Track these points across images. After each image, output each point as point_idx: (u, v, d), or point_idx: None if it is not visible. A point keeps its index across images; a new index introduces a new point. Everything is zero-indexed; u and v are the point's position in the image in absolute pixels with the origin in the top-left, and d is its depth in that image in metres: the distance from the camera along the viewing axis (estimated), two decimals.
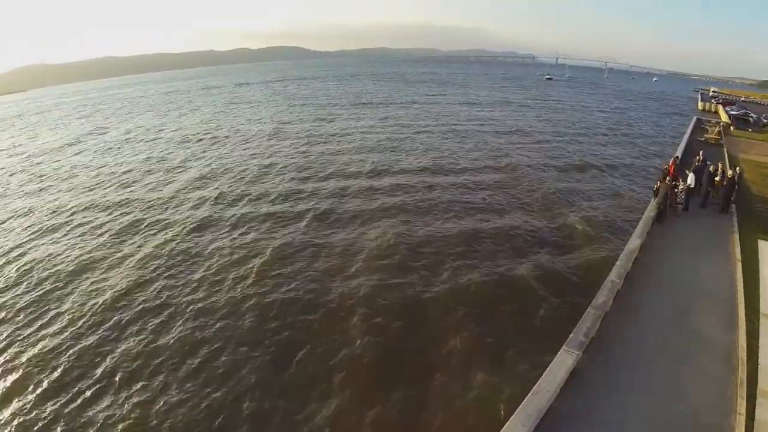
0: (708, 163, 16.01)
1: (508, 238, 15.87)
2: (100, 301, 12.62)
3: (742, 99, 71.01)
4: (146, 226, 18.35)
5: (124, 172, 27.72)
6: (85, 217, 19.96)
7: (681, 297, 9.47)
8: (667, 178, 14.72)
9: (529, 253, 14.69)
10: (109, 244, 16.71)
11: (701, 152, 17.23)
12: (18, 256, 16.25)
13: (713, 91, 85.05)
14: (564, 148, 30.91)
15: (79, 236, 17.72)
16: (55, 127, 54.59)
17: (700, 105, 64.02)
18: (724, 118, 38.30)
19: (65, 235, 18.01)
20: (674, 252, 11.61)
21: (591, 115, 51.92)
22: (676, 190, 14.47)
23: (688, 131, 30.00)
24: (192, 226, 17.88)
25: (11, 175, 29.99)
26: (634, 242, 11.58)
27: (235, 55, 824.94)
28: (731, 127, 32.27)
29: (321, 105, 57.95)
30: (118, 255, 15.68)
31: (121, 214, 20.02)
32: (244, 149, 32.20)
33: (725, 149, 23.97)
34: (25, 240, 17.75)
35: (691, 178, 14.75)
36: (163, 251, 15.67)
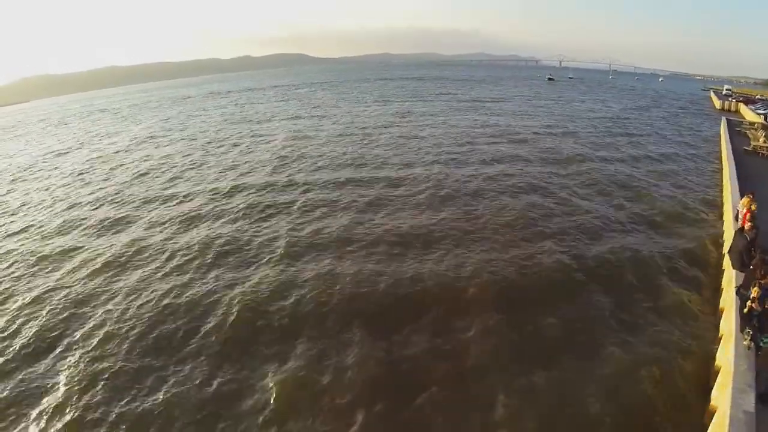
0: None
1: None
2: None
3: (758, 97, 67.58)
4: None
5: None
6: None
7: None
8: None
9: None
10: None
11: None
12: None
13: (727, 89, 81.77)
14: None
15: None
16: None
17: (717, 104, 60.33)
18: (755, 118, 34.95)
19: None
20: None
21: (608, 111, 49.55)
22: None
23: (725, 137, 23.65)
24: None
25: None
26: None
27: (238, 63, 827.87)
28: None
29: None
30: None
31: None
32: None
33: None
34: None
35: None
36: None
